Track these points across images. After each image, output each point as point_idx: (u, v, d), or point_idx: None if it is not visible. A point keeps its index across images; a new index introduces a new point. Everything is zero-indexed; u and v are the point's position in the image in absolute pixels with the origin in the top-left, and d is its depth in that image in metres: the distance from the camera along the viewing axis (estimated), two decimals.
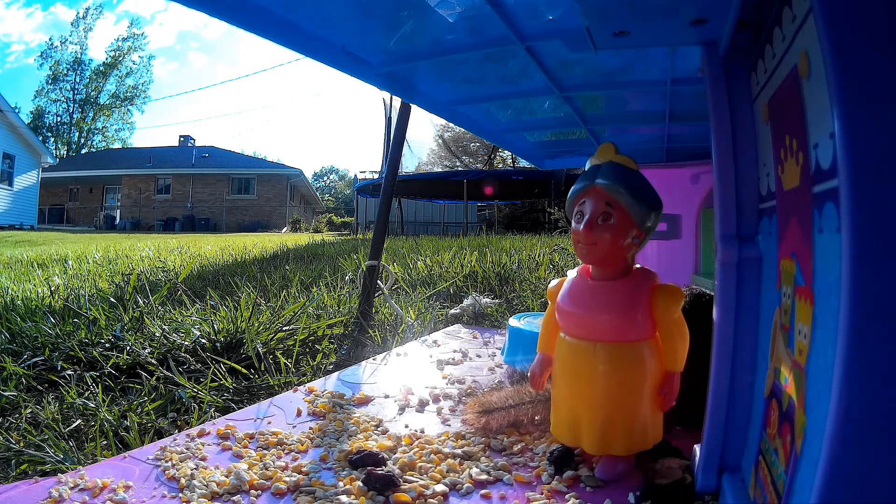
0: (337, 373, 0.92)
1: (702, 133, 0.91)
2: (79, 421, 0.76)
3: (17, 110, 13.17)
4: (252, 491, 0.51)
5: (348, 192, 28.27)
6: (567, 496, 0.49)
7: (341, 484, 0.51)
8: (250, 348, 1.03)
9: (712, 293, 0.67)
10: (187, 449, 0.59)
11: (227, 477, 0.52)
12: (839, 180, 0.24)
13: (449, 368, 0.94)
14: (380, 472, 0.51)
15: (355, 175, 13.25)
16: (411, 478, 0.52)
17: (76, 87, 23.93)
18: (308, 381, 0.91)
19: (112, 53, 24.76)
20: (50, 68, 23.92)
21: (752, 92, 0.45)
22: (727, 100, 0.45)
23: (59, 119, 23.89)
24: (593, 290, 0.53)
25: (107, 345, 1.06)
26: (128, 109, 25.30)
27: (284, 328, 1.18)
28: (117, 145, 24.33)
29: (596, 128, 0.94)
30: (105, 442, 0.70)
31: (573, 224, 0.53)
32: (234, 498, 0.49)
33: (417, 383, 0.84)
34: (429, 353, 1.05)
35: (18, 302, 1.52)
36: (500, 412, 0.64)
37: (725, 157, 0.45)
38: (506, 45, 0.56)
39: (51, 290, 1.72)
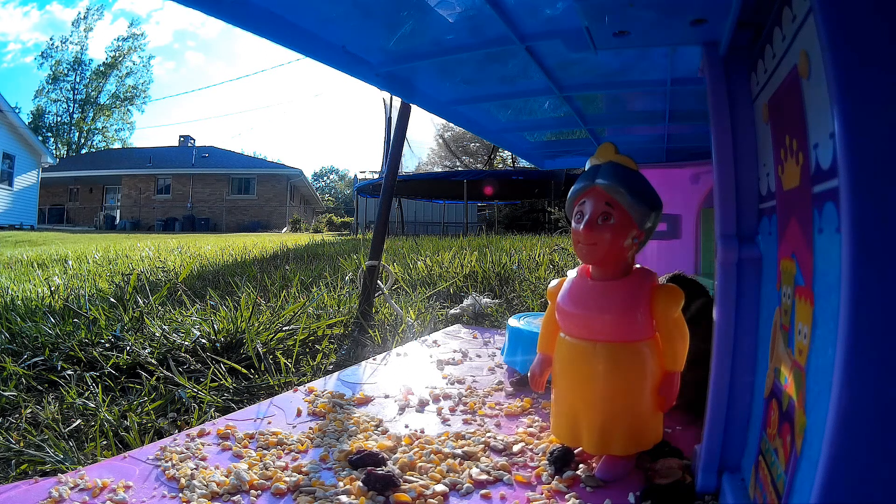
0: (337, 373, 0.92)
1: (702, 133, 0.91)
2: (79, 421, 0.76)
3: (17, 110, 13.18)
4: (252, 491, 0.51)
5: (348, 192, 28.29)
6: (567, 496, 0.49)
7: (341, 484, 0.51)
8: (250, 348, 1.03)
9: (691, 276, 0.68)
10: (187, 449, 0.59)
11: (227, 477, 0.52)
12: (839, 180, 0.24)
13: (449, 368, 0.94)
14: (380, 472, 0.51)
15: (355, 175, 13.26)
16: (411, 478, 0.52)
17: (76, 87, 23.96)
18: (308, 381, 0.91)
19: (112, 53, 24.81)
20: (50, 68, 23.98)
21: (752, 92, 0.45)
22: (727, 100, 0.45)
23: (59, 119, 23.93)
24: (593, 290, 0.53)
25: (107, 345, 1.06)
26: (128, 109, 25.35)
27: (284, 328, 1.18)
28: (117, 145, 24.39)
29: (596, 128, 0.94)
30: (105, 442, 0.70)
31: (573, 224, 0.53)
32: (234, 498, 0.49)
33: (417, 383, 0.84)
34: (429, 353, 1.05)
35: (18, 302, 1.52)
36: None
37: (725, 157, 0.45)
38: (506, 45, 0.56)
39: (51, 290, 1.72)
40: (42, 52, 24.15)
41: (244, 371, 0.96)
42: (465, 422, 0.69)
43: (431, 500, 0.49)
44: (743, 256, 0.44)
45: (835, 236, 0.27)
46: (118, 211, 17.34)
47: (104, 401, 0.81)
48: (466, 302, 1.52)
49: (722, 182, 0.45)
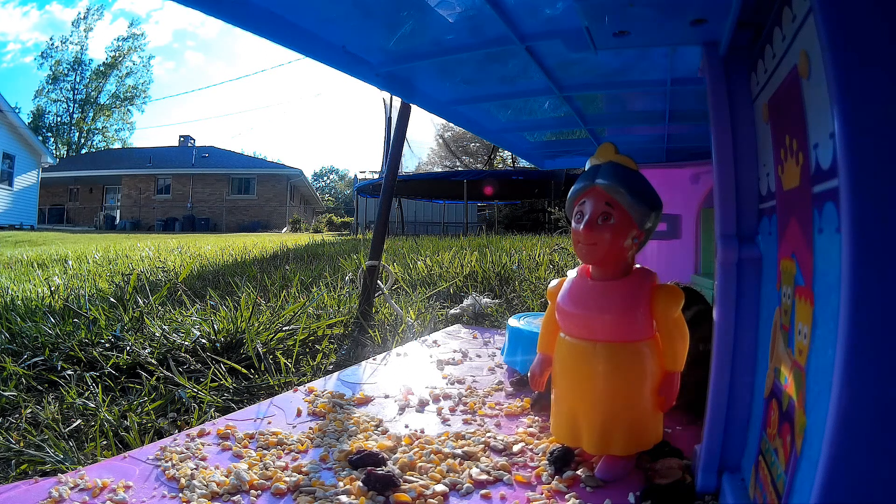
0: (337, 373, 0.92)
1: (702, 133, 0.91)
2: (79, 421, 0.76)
3: (17, 110, 13.18)
4: (252, 491, 0.51)
5: (348, 192, 28.29)
6: (567, 496, 0.49)
7: (341, 484, 0.51)
8: (250, 348, 1.03)
9: (685, 284, 0.68)
10: (187, 449, 0.59)
11: (227, 477, 0.52)
12: (839, 180, 0.24)
13: (449, 368, 0.94)
14: (380, 472, 0.51)
15: (355, 175, 13.26)
16: (411, 478, 0.52)
17: (76, 87, 23.98)
18: (308, 381, 0.91)
19: (112, 53, 24.83)
20: (50, 68, 23.99)
21: (752, 92, 0.45)
22: (727, 100, 0.45)
23: (59, 119, 23.96)
24: (593, 290, 0.53)
25: (107, 345, 1.06)
26: (128, 109, 25.37)
27: (284, 328, 1.18)
28: (117, 145, 24.40)
29: (596, 128, 0.94)
30: (105, 442, 0.70)
31: (573, 224, 0.53)
32: (234, 498, 0.49)
33: (417, 383, 0.84)
34: (429, 353, 1.05)
35: (18, 302, 1.52)
36: None
37: (725, 157, 0.45)
38: (506, 45, 0.56)
39: (51, 290, 1.72)
40: (42, 52, 24.21)
41: (244, 371, 0.96)
42: (465, 422, 0.69)
43: (431, 500, 0.49)
44: (743, 256, 0.44)
45: (835, 236, 0.27)
46: (118, 211, 17.34)
47: (104, 401, 0.81)
48: (466, 302, 1.52)
49: (722, 182, 0.45)
